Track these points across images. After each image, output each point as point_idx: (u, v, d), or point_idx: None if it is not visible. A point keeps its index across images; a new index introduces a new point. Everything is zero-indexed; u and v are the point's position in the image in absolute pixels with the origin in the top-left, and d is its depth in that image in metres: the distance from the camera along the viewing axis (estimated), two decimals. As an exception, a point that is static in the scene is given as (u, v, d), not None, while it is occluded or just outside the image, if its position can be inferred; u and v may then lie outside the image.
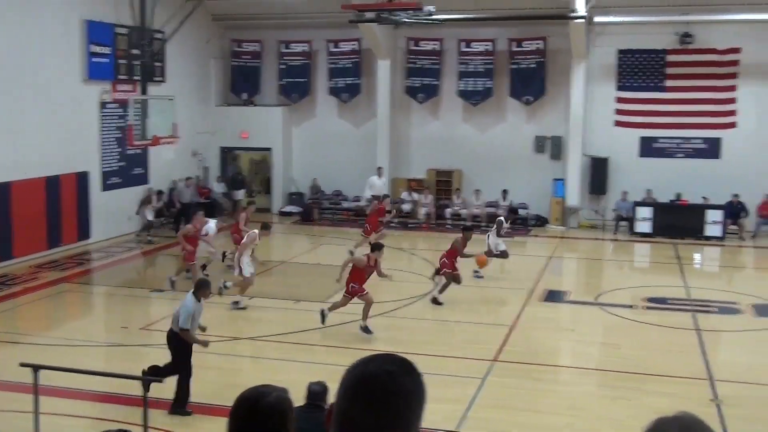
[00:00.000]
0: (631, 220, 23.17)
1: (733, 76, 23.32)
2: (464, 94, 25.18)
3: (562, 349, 13.19)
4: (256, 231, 14.90)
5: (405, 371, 2.16)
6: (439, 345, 12.56)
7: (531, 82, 24.56)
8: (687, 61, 23.52)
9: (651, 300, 15.62)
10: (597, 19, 23.08)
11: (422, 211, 24.59)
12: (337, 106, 26.56)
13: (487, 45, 24.81)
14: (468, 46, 24.97)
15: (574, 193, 24.06)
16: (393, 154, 25.57)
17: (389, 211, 21.27)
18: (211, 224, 16.92)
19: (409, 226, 24.34)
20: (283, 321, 13.88)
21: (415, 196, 25.09)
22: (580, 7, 22.14)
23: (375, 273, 13.08)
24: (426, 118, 25.87)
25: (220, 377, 10.85)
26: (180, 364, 9.63)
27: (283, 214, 25.92)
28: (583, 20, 22.40)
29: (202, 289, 10.11)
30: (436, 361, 11.34)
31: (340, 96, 26.21)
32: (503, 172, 24.75)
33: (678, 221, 22.60)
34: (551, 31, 23.78)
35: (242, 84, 27.13)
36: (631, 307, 15.24)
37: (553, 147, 24.60)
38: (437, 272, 15.63)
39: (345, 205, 26.11)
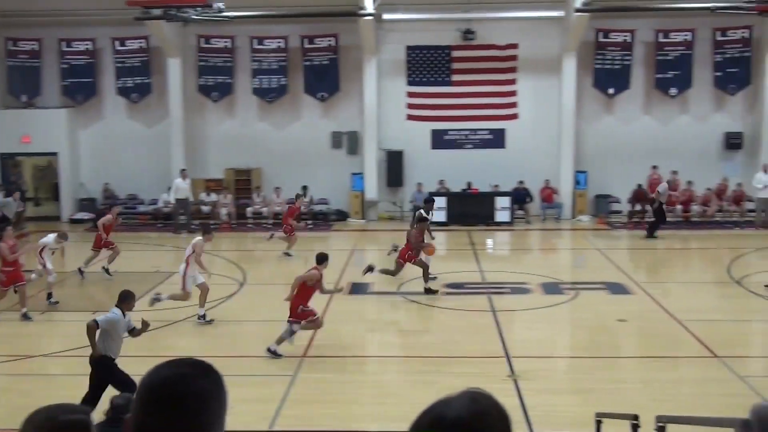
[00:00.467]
0: (427, 210, 24.03)
1: (513, 70, 24.80)
2: (259, 92, 25.04)
3: (369, 339, 13.43)
4: (201, 238, 13.91)
5: (200, 373, 2.12)
6: (246, 346, 12.43)
7: (325, 79, 24.84)
8: (470, 57, 24.72)
9: (449, 286, 16.28)
10: (385, 16, 23.74)
11: (222, 212, 24.20)
12: (127, 107, 25.55)
13: (279, 42, 24.80)
14: (260, 43, 24.85)
15: (372, 187, 24.63)
16: (189, 154, 24.96)
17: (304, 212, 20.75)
18: (50, 237, 15.12)
19: (210, 227, 23.84)
20: (80, 334, 13.14)
21: (214, 196, 24.64)
22: (369, 4, 22.68)
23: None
24: (221, 116, 25.49)
25: (10, 400, 10.12)
26: (91, 393, 8.76)
27: (74, 221, 24.58)
28: (371, 17, 22.96)
29: (126, 301, 9.40)
30: (244, 361, 11.22)
31: (130, 96, 25.23)
32: (302, 169, 24.88)
33: (470, 209, 23.74)
34: (342, 28, 24.17)
35: (20, 85, 25.42)
36: (431, 293, 15.80)
37: (349, 142, 25.04)
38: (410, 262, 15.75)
39: (141, 209, 25.18)
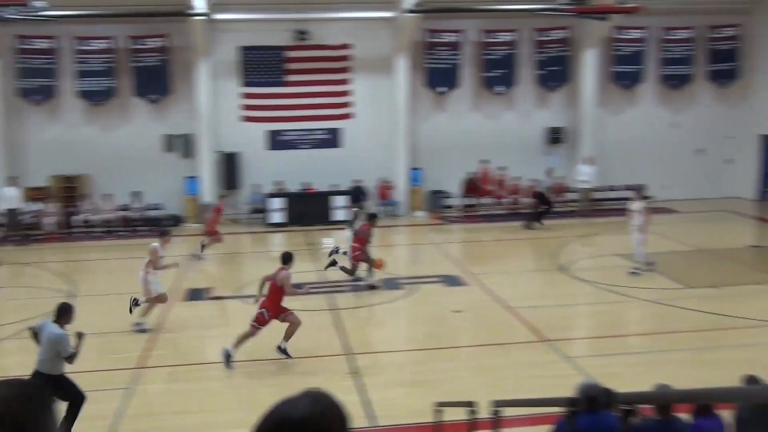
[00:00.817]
0: (264, 211, 23.88)
1: (346, 70, 25.02)
2: (85, 95, 23.99)
3: (208, 346, 13.17)
4: (157, 243, 13.64)
5: (24, 395, 2.03)
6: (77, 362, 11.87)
7: (155, 80, 24.13)
8: (304, 57, 24.73)
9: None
10: (217, 16, 23.34)
11: (48, 221, 22.98)
12: (-63, 113, 23.76)
13: (106, 42, 23.85)
14: (85, 44, 23.79)
15: (208, 190, 24.15)
16: (8, 162, 23.50)
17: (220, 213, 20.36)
18: None
19: (34, 238, 22.59)
20: None
21: (38, 205, 23.34)
22: (199, 4, 22.22)
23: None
24: (44, 121, 24.19)
25: None
26: (73, 395, 8.81)
27: None
28: (203, 17, 22.51)
29: (66, 315, 8.93)
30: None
31: (-60, 101, 23.49)
32: (134, 174, 24.03)
33: (308, 209, 23.76)
34: (173, 28, 23.56)
35: None
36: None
37: (182, 145, 24.40)
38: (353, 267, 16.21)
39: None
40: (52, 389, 8.51)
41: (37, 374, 8.75)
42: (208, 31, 23.54)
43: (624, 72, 26.01)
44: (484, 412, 7.69)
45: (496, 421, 7.15)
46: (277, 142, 25.01)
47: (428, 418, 8.63)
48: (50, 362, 8.75)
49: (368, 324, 14.04)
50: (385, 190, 24.95)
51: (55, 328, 8.85)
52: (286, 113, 24.85)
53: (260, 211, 24.13)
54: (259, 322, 11.57)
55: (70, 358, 8.80)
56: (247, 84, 24.71)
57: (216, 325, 14.35)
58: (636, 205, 16.46)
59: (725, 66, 26.31)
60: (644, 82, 26.10)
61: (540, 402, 7.48)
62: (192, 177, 24.17)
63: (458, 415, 7.84)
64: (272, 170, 24.40)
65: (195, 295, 15.95)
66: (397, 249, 22.54)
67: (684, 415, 6.79)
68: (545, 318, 13.47)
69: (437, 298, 15.27)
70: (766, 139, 25.79)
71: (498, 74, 25.48)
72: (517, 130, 25.75)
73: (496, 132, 25.62)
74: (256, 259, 21.34)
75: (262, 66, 24.68)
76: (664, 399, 6.04)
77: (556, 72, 25.70)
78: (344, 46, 24.92)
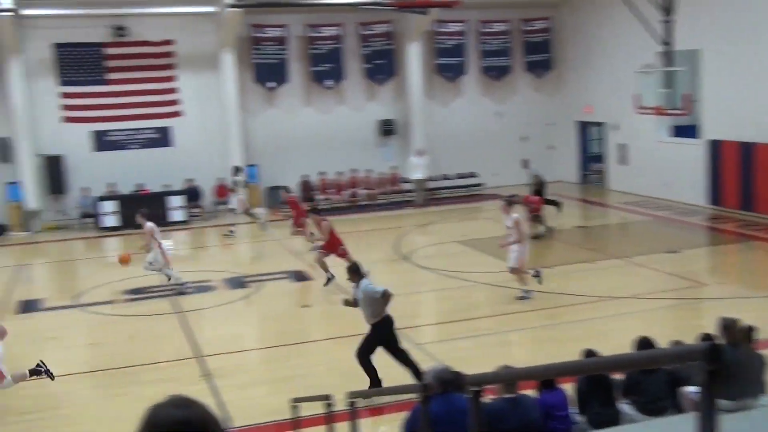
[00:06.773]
0: (96, 215, 22.92)
1: (171, 66, 24.37)
2: None
3: (49, 359, 12.52)
4: None
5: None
6: None
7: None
8: (125, 54, 23.86)
9: (130, 292, 15.74)
10: (25, 12, 22.08)
11: None
12: None
13: None
14: None
15: (33, 196, 22.88)
16: None
17: None
18: None
19: None
20: None
21: None
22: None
23: None
24: None
25: None
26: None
27: None
28: (9, 13, 21.28)
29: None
30: None
31: None
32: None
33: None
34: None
35: None
36: (110, 302, 15.20)
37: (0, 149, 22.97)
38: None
39: None
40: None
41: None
42: (18, 27, 22.20)
43: (447, 64, 26.87)
44: (340, 405, 7.85)
45: (353, 412, 7.32)
46: (104, 142, 24.01)
47: (286, 415, 8.68)
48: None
49: (217, 325, 13.82)
50: (222, 190, 24.45)
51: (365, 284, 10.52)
52: (110, 113, 23.88)
53: (90, 215, 23.11)
54: None
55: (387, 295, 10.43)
56: (66, 83, 23.52)
57: (53, 337, 13.64)
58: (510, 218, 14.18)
59: (540, 57, 27.76)
60: (467, 73, 27.06)
61: (394, 390, 7.69)
62: (13, 183, 22.80)
63: (315, 409, 7.95)
64: (102, 172, 23.39)
65: (28, 306, 15.12)
66: (238, 247, 22.20)
67: (529, 391, 7.22)
68: (393, 307, 13.72)
69: (285, 294, 15.27)
70: (583, 125, 27.49)
71: (326, 68, 25.62)
72: (349, 123, 26.05)
73: (329, 125, 25.81)
74: (91, 265, 20.42)
75: (79, 64, 23.56)
76: (510, 377, 6.36)
77: (382, 65, 26.17)
78: (166, 42, 24.24)
